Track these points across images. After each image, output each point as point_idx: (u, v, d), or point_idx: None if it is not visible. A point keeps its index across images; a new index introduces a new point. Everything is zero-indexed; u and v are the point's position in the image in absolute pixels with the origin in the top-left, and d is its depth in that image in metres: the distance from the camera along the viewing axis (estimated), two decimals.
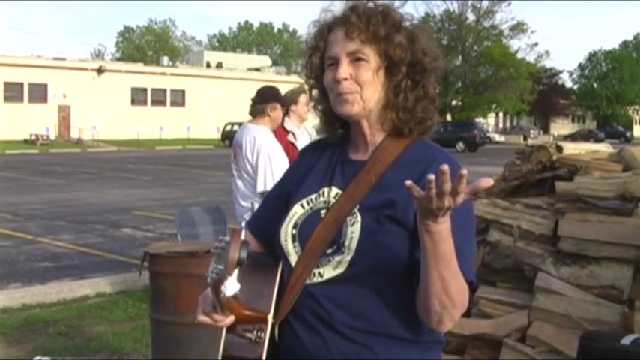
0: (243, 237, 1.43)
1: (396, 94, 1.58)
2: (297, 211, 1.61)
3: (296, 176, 1.71)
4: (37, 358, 4.62)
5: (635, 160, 4.03)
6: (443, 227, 1.34)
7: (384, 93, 1.58)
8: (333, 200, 1.58)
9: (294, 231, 1.58)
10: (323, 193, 1.61)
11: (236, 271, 1.42)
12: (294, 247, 1.57)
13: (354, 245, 1.49)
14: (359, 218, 1.52)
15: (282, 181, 1.77)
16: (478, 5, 55.75)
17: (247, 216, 4.55)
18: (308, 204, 1.61)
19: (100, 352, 5.03)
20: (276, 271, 1.57)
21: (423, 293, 1.44)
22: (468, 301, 1.47)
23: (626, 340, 2.86)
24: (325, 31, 1.60)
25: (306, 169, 1.69)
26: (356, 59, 1.55)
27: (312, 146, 1.77)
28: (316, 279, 1.52)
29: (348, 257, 1.49)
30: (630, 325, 3.41)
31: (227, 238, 1.42)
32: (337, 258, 1.51)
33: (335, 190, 1.59)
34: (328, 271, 1.51)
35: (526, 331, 3.60)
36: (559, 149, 4.27)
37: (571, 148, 4.38)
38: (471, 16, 56.48)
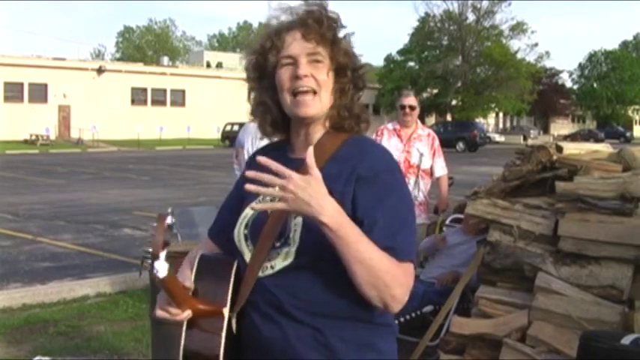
0: (168, 221, 1.53)
1: (341, 96, 1.69)
2: (247, 213, 1.70)
3: (248, 180, 1.75)
4: (37, 358, 4.62)
5: (635, 160, 4.03)
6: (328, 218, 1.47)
7: (332, 94, 1.68)
8: None
9: (245, 231, 1.68)
10: None
11: (163, 253, 1.50)
12: (248, 245, 1.66)
13: (297, 237, 1.59)
14: None
15: (237, 186, 1.84)
16: (478, 5, 55.77)
17: None
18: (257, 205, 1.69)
19: (100, 352, 5.03)
20: (230, 269, 1.65)
21: (353, 281, 1.52)
22: (410, 280, 1.55)
23: (626, 340, 2.86)
24: (283, 31, 1.67)
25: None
26: (313, 60, 1.65)
27: (258, 153, 1.85)
28: (268, 272, 1.61)
29: (293, 248, 1.59)
30: (630, 325, 3.41)
31: (154, 224, 1.52)
32: (285, 250, 1.60)
33: None
34: (279, 263, 1.60)
35: (526, 331, 3.60)
36: (559, 149, 4.27)
37: (571, 148, 4.38)
38: (471, 16, 56.52)
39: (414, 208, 1.70)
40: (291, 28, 1.67)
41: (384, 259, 1.52)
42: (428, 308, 4.61)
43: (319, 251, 1.55)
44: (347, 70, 1.68)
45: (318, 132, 1.70)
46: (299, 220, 1.58)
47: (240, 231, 1.68)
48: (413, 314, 4.53)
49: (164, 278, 1.49)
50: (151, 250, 1.50)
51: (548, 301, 3.61)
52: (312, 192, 1.48)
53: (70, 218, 12.26)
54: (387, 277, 1.51)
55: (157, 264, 1.48)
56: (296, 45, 1.64)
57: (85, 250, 9.28)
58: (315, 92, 1.64)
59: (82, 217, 12.45)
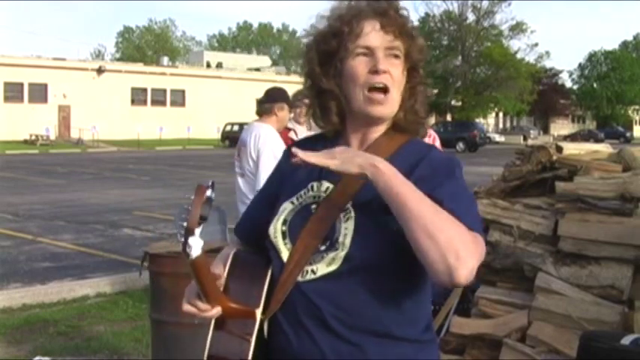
0: (208, 194, 1.38)
1: (410, 96, 1.57)
2: (286, 207, 1.56)
3: (284, 174, 1.65)
4: (37, 358, 4.62)
5: (635, 160, 4.03)
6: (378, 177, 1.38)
7: (402, 94, 1.56)
8: (323, 194, 1.53)
9: (284, 227, 1.53)
10: (312, 187, 1.56)
11: (199, 230, 1.36)
12: (285, 243, 1.51)
13: (348, 241, 1.45)
14: (353, 214, 1.48)
15: (270, 181, 1.72)
16: (478, 5, 55.86)
17: None
18: (297, 199, 1.56)
19: (100, 352, 5.03)
20: (266, 269, 1.52)
21: (412, 241, 1.34)
22: (480, 249, 1.35)
23: (626, 340, 2.86)
24: (361, 17, 1.53)
25: (294, 166, 1.64)
26: (391, 55, 1.52)
27: (301, 142, 1.72)
28: (309, 276, 1.46)
29: (342, 254, 1.44)
30: (630, 325, 3.41)
31: (192, 197, 1.36)
32: (331, 254, 1.45)
33: (325, 184, 1.54)
34: (322, 268, 1.46)
35: (526, 331, 3.60)
36: (559, 149, 4.27)
37: (571, 148, 4.38)
38: (471, 17, 56.61)
39: (462, 175, 1.55)
40: (368, 16, 1.52)
41: (449, 215, 1.33)
42: None
43: (370, 261, 1.43)
44: (419, 68, 1.57)
45: (378, 132, 1.57)
46: (350, 223, 1.46)
47: (277, 227, 1.53)
48: None
49: (196, 259, 1.35)
50: (185, 224, 1.30)
51: (548, 301, 3.61)
52: (359, 152, 1.46)
53: (70, 218, 12.26)
54: (451, 230, 1.31)
55: (191, 240, 1.33)
56: (375, 36, 1.50)
57: (85, 250, 9.28)
58: (387, 90, 1.50)
59: (82, 217, 12.45)
